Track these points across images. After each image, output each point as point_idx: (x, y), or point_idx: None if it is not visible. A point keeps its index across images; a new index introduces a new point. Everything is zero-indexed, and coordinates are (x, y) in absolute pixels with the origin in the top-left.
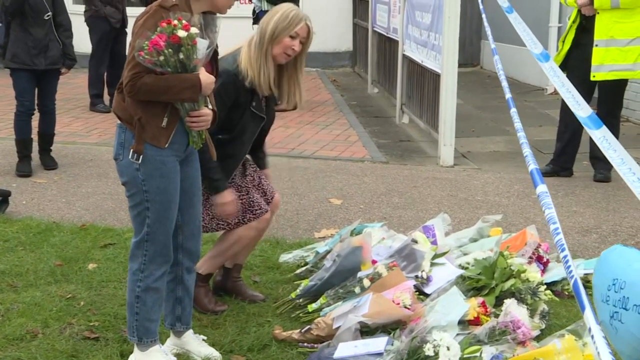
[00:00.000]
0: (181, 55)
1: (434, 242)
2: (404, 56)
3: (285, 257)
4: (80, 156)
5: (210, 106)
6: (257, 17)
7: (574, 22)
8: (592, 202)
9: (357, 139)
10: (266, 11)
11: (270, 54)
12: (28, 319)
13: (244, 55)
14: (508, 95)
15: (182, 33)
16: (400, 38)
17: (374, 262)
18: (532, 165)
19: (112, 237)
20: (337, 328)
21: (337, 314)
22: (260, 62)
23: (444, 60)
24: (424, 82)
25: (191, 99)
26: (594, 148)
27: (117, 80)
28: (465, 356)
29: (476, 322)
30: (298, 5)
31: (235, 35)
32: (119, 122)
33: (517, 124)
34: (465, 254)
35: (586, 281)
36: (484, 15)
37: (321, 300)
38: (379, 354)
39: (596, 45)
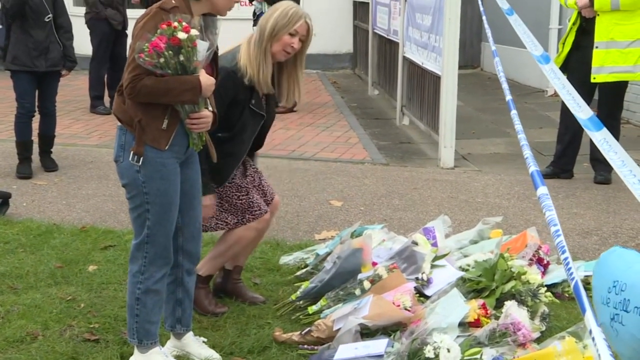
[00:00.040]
0: (181, 57)
1: (435, 244)
2: (405, 58)
3: (286, 259)
4: (80, 158)
5: (210, 108)
6: (257, 19)
7: (574, 24)
8: (592, 204)
9: (358, 141)
10: None
11: (269, 52)
12: (28, 321)
13: (244, 52)
14: (508, 97)
15: (182, 35)
16: (401, 40)
17: (374, 264)
18: (533, 167)
19: (113, 239)
20: (338, 330)
21: (337, 315)
22: (259, 60)
23: (444, 62)
24: (424, 84)
25: (191, 101)
26: (594, 150)
27: (117, 82)
28: (465, 358)
29: (476, 324)
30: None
31: (235, 37)
32: (119, 124)
33: (518, 126)
34: (465, 256)
35: (587, 283)
36: (484, 17)
37: (321, 302)
38: (379, 356)
39: (596, 47)
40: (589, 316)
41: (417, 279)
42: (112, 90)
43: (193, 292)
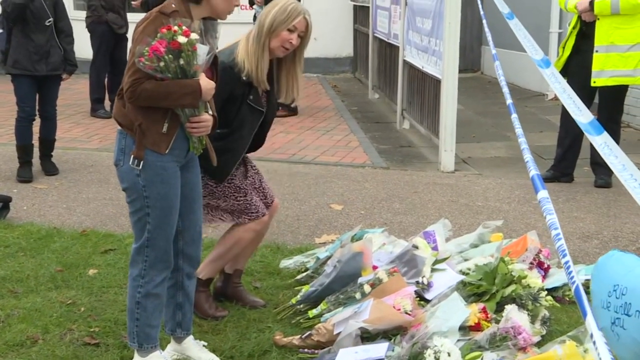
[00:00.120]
0: (181, 61)
1: (435, 248)
2: (405, 62)
3: (286, 263)
4: (81, 162)
5: (210, 112)
6: None
7: (574, 28)
8: (593, 207)
9: (358, 145)
10: None
11: (267, 47)
12: (28, 325)
13: (242, 48)
14: (509, 101)
15: (182, 39)
16: (401, 44)
17: (374, 267)
18: (533, 171)
19: (113, 242)
20: (338, 334)
21: (337, 319)
22: (257, 55)
23: (444, 66)
24: (424, 87)
25: (191, 105)
26: (594, 154)
27: (118, 86)
28: None
29: (477, 328)
30: None
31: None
32: (119, 128)
33: (518, 130)
34: (466, 260)
35: (587, 287)
36: (484, 21)
37: (322, 306)
38: None
39: (596, 51)
40: (590, 320)
41: (417, 282)
42: (112, 94)
43: (193, 296)
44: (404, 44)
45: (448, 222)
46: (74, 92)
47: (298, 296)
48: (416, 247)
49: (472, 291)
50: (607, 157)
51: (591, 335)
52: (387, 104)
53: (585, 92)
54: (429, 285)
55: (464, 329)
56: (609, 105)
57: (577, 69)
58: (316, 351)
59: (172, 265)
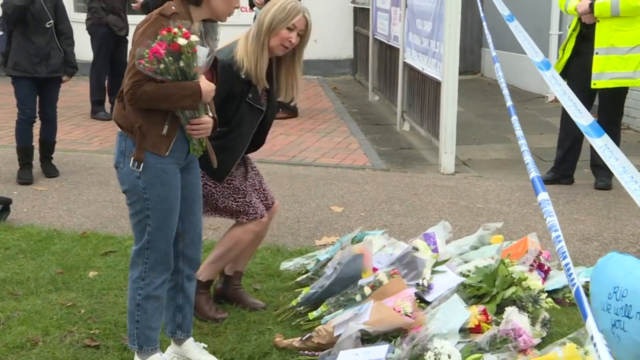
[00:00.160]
0: (181, 63)
1: (435, 250)
2: (405, 64)
3: (286, 265)
4: (81, 164)
5: (210, 114)
6: None
7: (574, 30)
8: (593, 209)
9: (358, 147)
10: None
11: (267, 46)
12: (28, 327)
13: (241, 46)
14: (509, 103)
15: (182, 41)
16: (401, 46)
17: (374, 269)
18: (534, 173)
19: (113, 244)
20: (338, 336)
21: (338, 321)
22: (257, 54)
23: (444, 68)
24: (424, 89)
25: (191, 107)
26: (594, 156)
27: (118, 88)
28: None
29: (477, 330)
30: None
31: None
32: (119, 130)
33: (518, 132)
34: (466, 262)
35: (587, 289)
36: (484, 23)
37: (322, 308)
38: None
39: (596, 53)
40: (590, 322)
41: (417, 284)
42: (112, 96)
43: (193, 298)
44: (404, 46)
45: (448, 224)
46: (74, 94)
47: (298, 298)
48: (416, 249)
49: (472, 293)
50: (607, 159)
51: (592, 337)
52: (387, 106)
53: (585, 94)
54: (429, 287)
55: (464, 331)
56: (609, 107)
57: (577, 71)
58: (316, 353)
59: (172, 268)
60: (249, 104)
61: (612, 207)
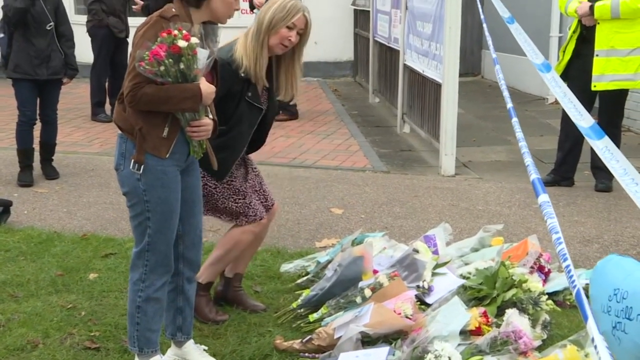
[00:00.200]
0: (182, 65)
1: (435, 252)
2: (405, 66)
3: (287, 267)
4: (81, 166)
5: (210, 116)
6: None
7: (574, 32)
8: (593, 212)
9: (358, 149)
10: None
11: (266, 45)
12: (29, 329)
13: (240, 44)
14: (509, 105)
15: (182, 43)
16: (401, 48)
17: (375, 271)
18: (534, 175)
19: (113, 247)
20: (339, 338)
21: (338, 323)
22: (256, 52)
23: (445, 70)
24: (425, 91)
25: (192, 109)
26: (595, 158)
27: (118, 90)
28: None
29: (478, 332)
30: None
31: None
32: (119, 132)
33: (519, 134)
34: (466, 264)
35: (587, 291)
36: (485, 25)
37: (322, 310)
38: None
39: (597, 55)
40: (591, 324)
41: (418, 286)
42: (113, 98)
43: (194, 300)
44: (405, 48)
45: (448, 226)
46: (74, 96)
47: (299, 300)
48: (417, 251)
49: (472, 295)
50: (608, 161)
51: (592, 340)
52: (388, 108)
53: (585, 96)
54: (430, 289)
55: (465, 333)
56: (609, 109)
57: (577, 73)
58: (317, 355)
59: (172, 270)
60: (249, 103)
61: (613, 209)
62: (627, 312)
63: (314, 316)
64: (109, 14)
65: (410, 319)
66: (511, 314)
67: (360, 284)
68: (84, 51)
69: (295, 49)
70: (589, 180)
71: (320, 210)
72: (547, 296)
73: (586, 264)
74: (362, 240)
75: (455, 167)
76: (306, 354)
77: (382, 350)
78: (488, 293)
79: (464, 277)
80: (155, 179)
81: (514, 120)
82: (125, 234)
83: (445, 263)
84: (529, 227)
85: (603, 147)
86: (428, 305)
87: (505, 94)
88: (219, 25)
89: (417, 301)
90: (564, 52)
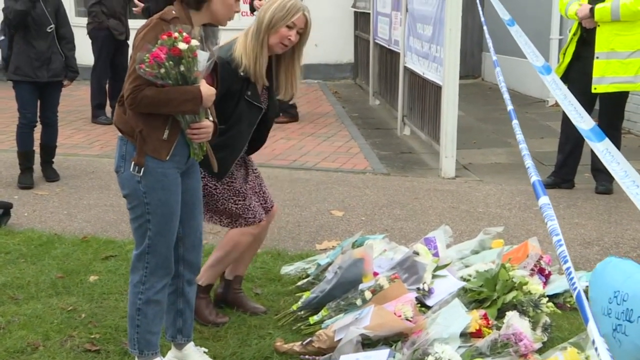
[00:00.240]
0: (182, 68)
1: (436, 254)
2: (405, 68)
3: (287, 269)
4: (82, 168)
5: (211, 118)
6: None
7: (574, 34)
8: (593, 214)
9: (359, 151)
10: None
11: (266, 44)
12: (29, 332)
13: (240, 43)
14: (510, 107)
15: (182, 45)
16: (402, 50)
17: (375, 274)
18: (534, 177)
19: (114, 249)
20: (339, 340)
21: (338, 326)
22: (256, 51)
23: (445, 72)
24: (425, 94)
25: (192, 111)
26: (595, 160)
27: (119, 92)
28: None
29: (478, 334)
30: None
31: None
32: (120, 134)
33: (519, 136)
34: (466, 266)
35: (587, 293)
36: (485, 28)
37: (323, 313)
38: None
39: (597, 58)
40: (591, 326)
41: (418, 289)
42: (113, 100)
43: (194, 303)
44: (405, 50)
45: (449, 229)
46: (75, 98)
47: (299, 302)
48: (417, 253)
49: (473, 297)
50: (608, 163)
51: (593, 342)
52: (388, 110)
53: (585, 98)
54: (430, 291)
55: (465, 335)
56: (609, 111)
57: (577, 76)
58: (317, 358)
59: (172, 272)
60: (248, 102)
61: (613, 211)
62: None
63: (314, 318)
64: (109, 16)
65: (410, 321)
66: (511, 316)
67: (361, 286)
68: (84, 53)
69: (295, 48)
70: (590, 183)
71: (321, 212)
72: (547, 298)
73: (587, 267)
74: (363, 242)
75: (455, 170)
76: (306, 357)
77: (383, 353)
78: (488, 295)
79: (465, 280)
80: (155, 181)
81: (515, 122)
82: (125, 236)
83: (446, 265)
84: (529, 230)
85: (604, 149)
86: (428, 307)
87: (506, 96)
88: (219, 27)
89: (418, 303)
90: (564, 54)
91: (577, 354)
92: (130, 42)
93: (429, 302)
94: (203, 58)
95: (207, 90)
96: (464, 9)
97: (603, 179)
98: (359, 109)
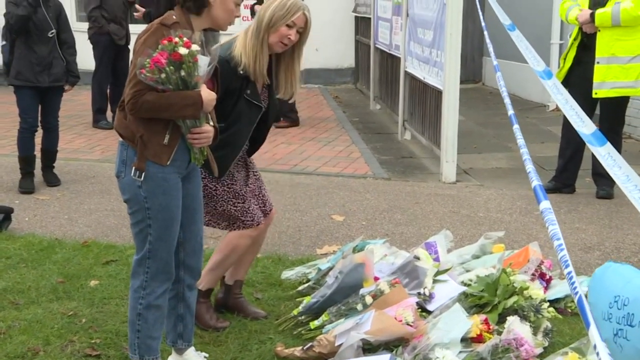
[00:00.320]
0: (182, 73)
1: (436, 259)
2: (406, 73)
3: (287, 274)
4: (82, 173)
5: (211, 123)
6: None
7: (575, 39)
8: (594, 218)
9: (360, 156)
10: None
11: (266, 42)
12: (29, 337)
13: (240, 42)
14: (511, 112)
15: (183, 50)
16: (402, 55)
17: (376, 279)
18: (535, 182)
19: (114, 254)
20: (340, 345)
21: (339, 331)
22: (256, 50)
23: (445, 77)
24: (426, 98)
25: (193, 116)
26: (596, 165)
27: (119, 97)
28: None
29: (479, 339)
30: None
31: None
32: (121, 139)
33: (520, 140)
34: (467, 271)
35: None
36: (485, 32)
37: (323, 317)
38: None
39: (597, 63)
40: (593, 331)
41: (419, 294)
42: (114, 105)
43: (194, 307)
44: (405, 55)
45: (449, 233)
46: (76, 103)
47: (300, 307)
48: (418, 258)
49: (473, 302)
50: (610, 168)
51: (594, 347)
52: (389, 115)
53: (586, 103)
54: (431, 296)
55: (466, 340)
56: (610, 116)
57: (578, 81)
58: None
59: (173, 277)
60: (247, 101)
61: (614, 216)
62: (628, 319)
63: (315, 323)
64: (110, 21)
65: (411, 326)
66: (512, 321)
67: (361, 291)
68: (85, 58)
69: (295, 47)
70: (590, 187)
71: (321, 217)
72: (548, 303)
73: (587, 271)
74: (363, 247)
75: (456, 174)
76: None
77: (383, 358)
78: (489, 300)
79: (465, 284)
80: (156, 186)
81: (515, 127)
82: (126, 241)
83: (446, 270)
84: (530, 234)
85: (605, 153)
86: (429, 312)
87: (507, 100)
88: (220, 32)
89: (418, 308)
90: (565, 59)
91: (578, 359)
92: (131, 47)
93: (429, 307)
94: (204, 63)
95: (208, 95)
96: (464, 13)
97: (604, 184)
98: (360, 114)
